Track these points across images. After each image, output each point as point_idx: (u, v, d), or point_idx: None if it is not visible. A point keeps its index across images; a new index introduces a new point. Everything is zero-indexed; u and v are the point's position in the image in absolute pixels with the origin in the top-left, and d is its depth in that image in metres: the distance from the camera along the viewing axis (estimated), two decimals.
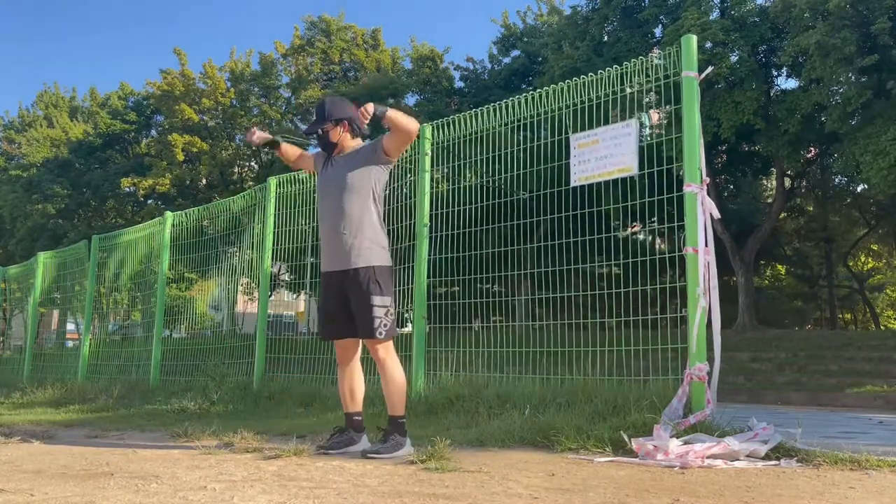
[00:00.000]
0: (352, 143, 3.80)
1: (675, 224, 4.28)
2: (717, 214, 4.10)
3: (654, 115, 7.70)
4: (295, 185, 7.00)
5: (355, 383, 3.74)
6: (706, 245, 3.95)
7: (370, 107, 3.50)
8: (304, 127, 26.69)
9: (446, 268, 5.58)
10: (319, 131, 3.74)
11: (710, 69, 4.86)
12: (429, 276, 5.49)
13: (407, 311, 5.65)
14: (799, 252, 25.97)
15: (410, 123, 3.58)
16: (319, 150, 3.93)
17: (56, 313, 15.62)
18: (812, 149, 18.08)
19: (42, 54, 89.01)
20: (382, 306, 3.53)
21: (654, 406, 3.77)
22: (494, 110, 5.39)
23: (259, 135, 3.95)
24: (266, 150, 4.52)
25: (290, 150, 4.07)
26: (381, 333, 3.51)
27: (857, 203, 22.31)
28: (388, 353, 3.56)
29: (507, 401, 4.51)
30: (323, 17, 25.45)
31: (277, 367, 6.87)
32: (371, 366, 3.90)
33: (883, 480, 2.78)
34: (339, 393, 3.79)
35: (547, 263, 5.14)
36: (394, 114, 3.53)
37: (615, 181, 4.50)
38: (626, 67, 4.61)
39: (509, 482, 2.71)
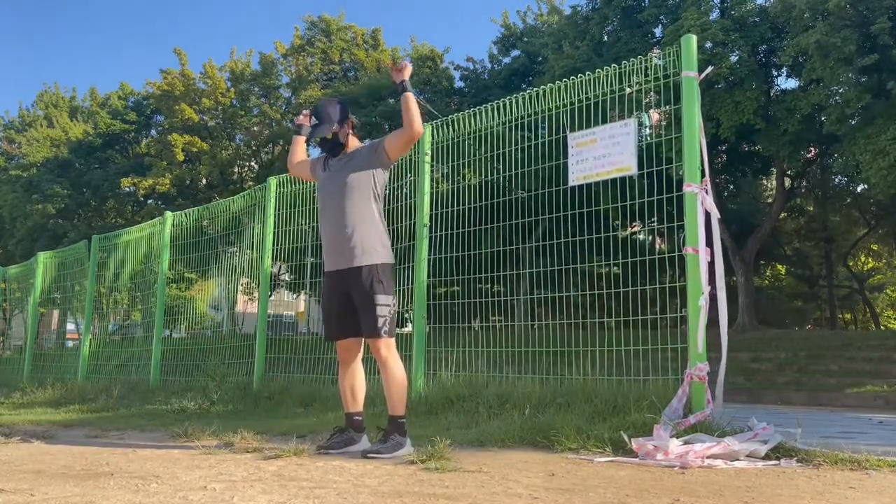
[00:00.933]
0: (354, 143, 3.85)
1: (675, 224, 4.28)
2: (717, 214, 4.10)
3: (654, 115, 7.69)
4: (295, 185, 7.00)
5: (356, 383, 3.73)
6: (707, 245, 3.95)
7: (408, 70, 3.61)
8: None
9: (446, 267, 5.58)
10: (329, 135, 3.75)
11: (709, 69, 4.86)
12: (429, 276, 5.49)
13: (407, 311, 5.65)
14: (799, 252, 25.97)
15: (417, 118, 3.62)
16: (317, 155, 3.96)
17: (56, 313, 15.63)
18: (812, 149, 18.07)
19: (42, 54, 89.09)
20: (385, 304, 3.55)
21: (654, 406, 3.77)
22: (494, 109, 5.39)
23: (305, 119, 4.00)
24: (293, 129, 4.56)
25: (300, 150, 4.07)
26: (384, 332, 3.52)
27: (857, 203, 22.31)
28: (390, 352, 3.56)
29: (507, 401, 4.51)
30: (323, 17, 25.45)
31: (277, 367, 6.87)
32: (372, 365, 3.90)
33: (883, 480, 2.78)
34: (339, 392, 3.79)
35: (547, 263, 5.14)
36: (412, 98, 3.61)
37: (615, 180, 4.50)
38: (626, 67, 4.61)
39: (509, 482, 2.71)
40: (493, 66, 24.29)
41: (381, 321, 3.52)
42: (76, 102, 31.73)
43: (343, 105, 3.87)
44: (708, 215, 4.00)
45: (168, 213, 8.63)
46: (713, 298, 3.96)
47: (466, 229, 5.48)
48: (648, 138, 5.55)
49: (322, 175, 3.85)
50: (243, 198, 7.90)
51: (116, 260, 9.64)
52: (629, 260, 4.77)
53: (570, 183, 4.64)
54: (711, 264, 3.98)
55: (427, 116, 4.41)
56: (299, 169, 4.11)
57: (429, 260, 5.50)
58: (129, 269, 9.46)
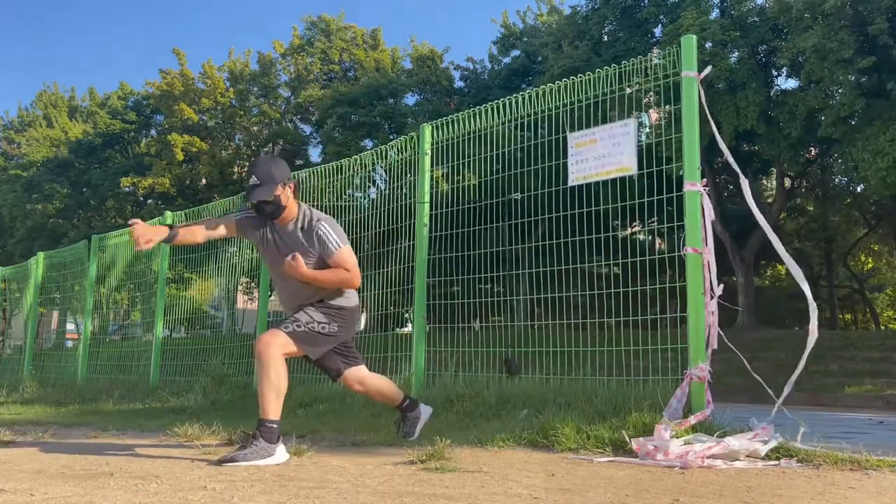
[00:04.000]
0: (294, 206, 3.55)
1: (675, 224, 4.28)
2: (712, 216, 4.09)
3: (654, 115, 7.70)
4: None
5: (382, 384, 3.81)
6: (706, 244, 3.95)
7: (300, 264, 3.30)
8: (303, 128, 26.55)
9: (446, 268, 5.58)
10: (270, 198, 3.40)
11: (708, 68, 4.86)
12: (429, 276, 5.49)
13: (407, 311, 5.65)
14: (799, 252, 25.94)
15: (334, 279, 3.42)
16: (246, 215, 3.63)
17: (56, 313, 15.62)
18: (812, 149, 18.09)
19: (41, 54, 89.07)
20: (311, 320, 3.44)
21: (654, 406, 3.77)
22: (493, 109, 5.39)
23: (143, 234, 3.24)
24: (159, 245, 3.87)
25: (190, 235, 3.56)
26: (287, 327, 3.39)
27: (857, 203, 22.32)
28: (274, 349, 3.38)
29: (507, 401, 4.51)
30: (322, 16, 25.50)
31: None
32: (377, 364, 3.89)
33: (883, 480, 2.78)
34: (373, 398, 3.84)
35: (547, 263, 5.14)
36: (314, 276, 3.37)
37: (614, 180, 4.50)
38: (626, 67, 4.61)
39: (509, 482, 2.71)
40: (493, 66, 24.31)
41: (296, 318, 3.43)
42: (75, 102, 31.75)
43: (284, 165, 3.56)
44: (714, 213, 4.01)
45: (168, 213, 8.63)
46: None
47: (467, 229, 5.48)
48: (648, 138, 5.56)
49: (268, 245, 3.57)
50: (243, 198, 7.87)
51: (116, 259, 9.64)
52: (629, 260, 4.77)
53: (570, 183, 4.64)
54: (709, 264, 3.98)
55: None
56: (218, 232, 3.67)
57: (429, 260, 5.50)
58: (129, 269, 9.46)
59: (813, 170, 20.52)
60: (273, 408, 3.30)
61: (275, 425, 3.27)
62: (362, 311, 4.01)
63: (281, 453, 3.25)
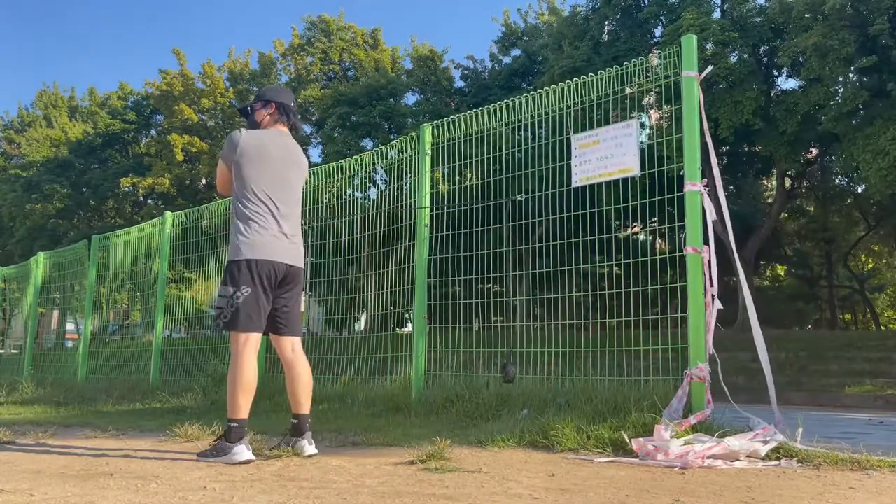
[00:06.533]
0: (270, 127, 3.68)
1: (676, 224, 4.28)
2: (713, 216, 4.09)
3: (654, 116, 7.69)
4: None
5: (293, 384, 3.54)
6: (705, 244, 3.95)
7: None
8: (303, 128, 26.84)
9: (447, 268, 5.58)
10: (249, 108, 3.74)
11: (709, 68, 4.86)
12: (429, 277, 5.49)
13: (407, 311, 5.64)
14: (799, 252, 25.97)
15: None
16: None
17: (56, 313, 15.61)
18: (812, 149, 18.09)
19: (41, 54, 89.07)
20: (224, 296, 3.38)
21: (654, 406, 3.77)
22: (494, 111, 5.39)
23: None
24: None
25: None
26: (218, 325, 3.39)
27: (858, 203, 22.32)
28: (236, 346, 3.35)
29: (507, 401, 4.51)
30: (322, 16, 25.51)
31: (277, 367, 6.85)
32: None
33: (883, 481, 2.78)
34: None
35: (547, 264, 5.14)
36: None
37: (615, 181, 4.50)
38: (627, 68, 4.62)
39: (509, 482, 2.71)
40: (494, 66, 24.31)
41: (217, 313, 3.41)
42: (75, 102, 31.77)
43: (283, 92, 3.80)
44: (715, 213, 4.01)
45: (168, 213, 8.62)
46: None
47: (467, 230, 5.48)
48: (649, 139, 5.56)
49: None
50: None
51: (116, 260, 9.63)
52: (630, 260, 4.77)
53: (574, 184, 4.64)
54: (709, 264, 3.98)
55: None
56: None
57: (429, 260, 5.50)
58: (129, 269, 9.46)
59: (813, 170, 20.52)
60: (237, 408, 3.30)
61: (235, 424, 3.27)
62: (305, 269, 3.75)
63: (240, 453, 3.20)
